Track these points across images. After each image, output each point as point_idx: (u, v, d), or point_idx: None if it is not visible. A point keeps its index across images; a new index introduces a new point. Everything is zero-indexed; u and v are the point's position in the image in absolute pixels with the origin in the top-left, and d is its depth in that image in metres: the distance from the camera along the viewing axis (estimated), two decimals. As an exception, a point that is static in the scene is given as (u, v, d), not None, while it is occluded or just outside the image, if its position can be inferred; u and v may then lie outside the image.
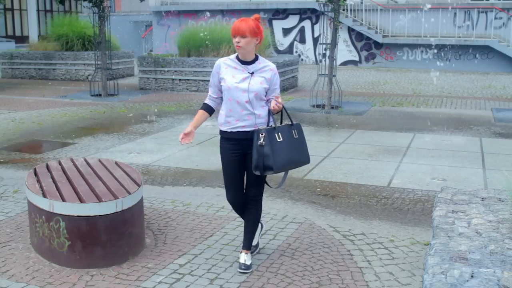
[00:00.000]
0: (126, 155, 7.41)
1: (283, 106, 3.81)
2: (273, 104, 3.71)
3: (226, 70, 3.82)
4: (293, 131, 3.86)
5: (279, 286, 3.72)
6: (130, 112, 10.98)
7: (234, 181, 3.93)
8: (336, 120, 10.26)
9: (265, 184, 3.99)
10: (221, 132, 3.90)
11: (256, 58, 3.85)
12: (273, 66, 3.90)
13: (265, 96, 3.82)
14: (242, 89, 3.74)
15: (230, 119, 3.80)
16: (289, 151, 3.76)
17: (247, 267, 3.93)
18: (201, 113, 3.96)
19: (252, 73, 3.78)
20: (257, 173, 3.73)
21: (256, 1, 21.53)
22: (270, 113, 3.79)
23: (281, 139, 3.73)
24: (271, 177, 4.27)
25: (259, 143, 3.66)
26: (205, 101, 3.99)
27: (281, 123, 3.90)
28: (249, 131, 3.77)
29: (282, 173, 3.96)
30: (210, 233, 4.65)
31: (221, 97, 3.90)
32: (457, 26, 18.63)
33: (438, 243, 3.11)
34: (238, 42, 3.70)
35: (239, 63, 3.82)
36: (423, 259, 3.85)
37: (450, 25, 18.66)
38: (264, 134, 3.66)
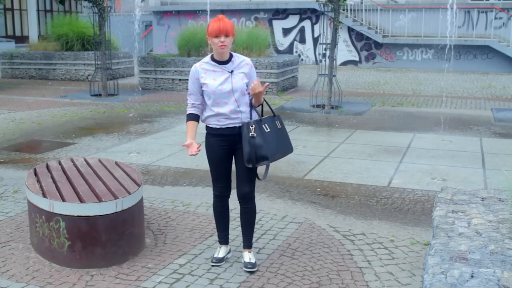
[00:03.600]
0: (126, 155, 7.41)
1: (264, 100, 3.86)
2: (254, 84, 3.69)
3: (206, 75, 3.78)
4: (276, 122, 3.92)
5: (279, 286, 3.72)
6: (130, 112, 10.98)
7: (225, 173, 3.94)
8: (336, 120, 10.26)
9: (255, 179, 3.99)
10: (209, 128, 3.89)
11: (231, 56, 3.83)
12: (248, 60, 3.90)
13: (246, 91, 3.83)
14: (227, 91, 3.75)
15: (220, 118, 3.81)
16: (276, 141, 3.83)
17: (253, 265, 3.94)
18: (192, 124, 3.88)
19: (232, 72, 3.78)
20: (250, 165, 3.74)
21: (256, 1, 21.53)
22: (252, 107, 3.84)
23: (269, 130, 3.80)
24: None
25: (250, 135, 3.69)
26: (190, 111, 3.88)
27: (262, 116, 3.94)
28: (237, 127, 3.80)
29: (263, 167, 3.94)
30: (210, 233, 4.65)
31: (204, 102, 3.85)
32: (457, 26, 18.63)
33: (438, 243, 3.11)
34: (223, 42, 3.67)
35: (216, 64, 3.79)
36: (423, 259, 3.85)
37: (450, 25, 18.65)
38: (254, 125, 3.71)
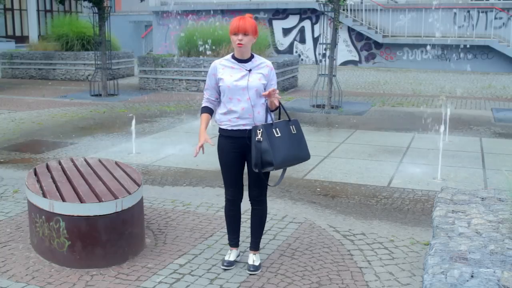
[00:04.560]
0: (126, 155, 7.41)
1: (280, 104, 3.82)
2: (269, 92, 3.66)
3: (224, 71, 3.80)
4: (291, 126, 3.86)
5: (279, 286, 3.72)
6: (130, 112, 10.97)
7: (235, 178, 3.92)
8: (336, 120, 10.26)
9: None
10: (221, 130, 3.89)
11: (252, 56, 3.85)
12: (269, 62, 3.91)
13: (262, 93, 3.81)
14: (242, 87, 3.74)
15: (232, 117, 3.79)
16: (288, 147, 3.77)
17: (256, 268, 3.93)
18: (206, 116, 3.91)
19: (250, 70, 3.78)
20: (256, 170, 3.71)
21: (256, 1, 21.52)
22: (268, 110, 3.81)
23: (279, 135, 3.74)
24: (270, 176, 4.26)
25: (256, 139, 3.67)
26: (205, 104, 3.93)
27: (279, 120, 3.91)
28: (248, 130, 3.77)
29: (280, 172, 3.95)
30: (210, 233, 4.65)
31: (219, 99, 3.88)
32: (457, 26, 18.63)
33: (438, 243, 3.11)
34: (241, 40, 3.69)
35: (235, 62, 3.81)
36: (423, 259, 3.85)
37: (450, 25, 18.66)
38: (261, 129, 3.67)
